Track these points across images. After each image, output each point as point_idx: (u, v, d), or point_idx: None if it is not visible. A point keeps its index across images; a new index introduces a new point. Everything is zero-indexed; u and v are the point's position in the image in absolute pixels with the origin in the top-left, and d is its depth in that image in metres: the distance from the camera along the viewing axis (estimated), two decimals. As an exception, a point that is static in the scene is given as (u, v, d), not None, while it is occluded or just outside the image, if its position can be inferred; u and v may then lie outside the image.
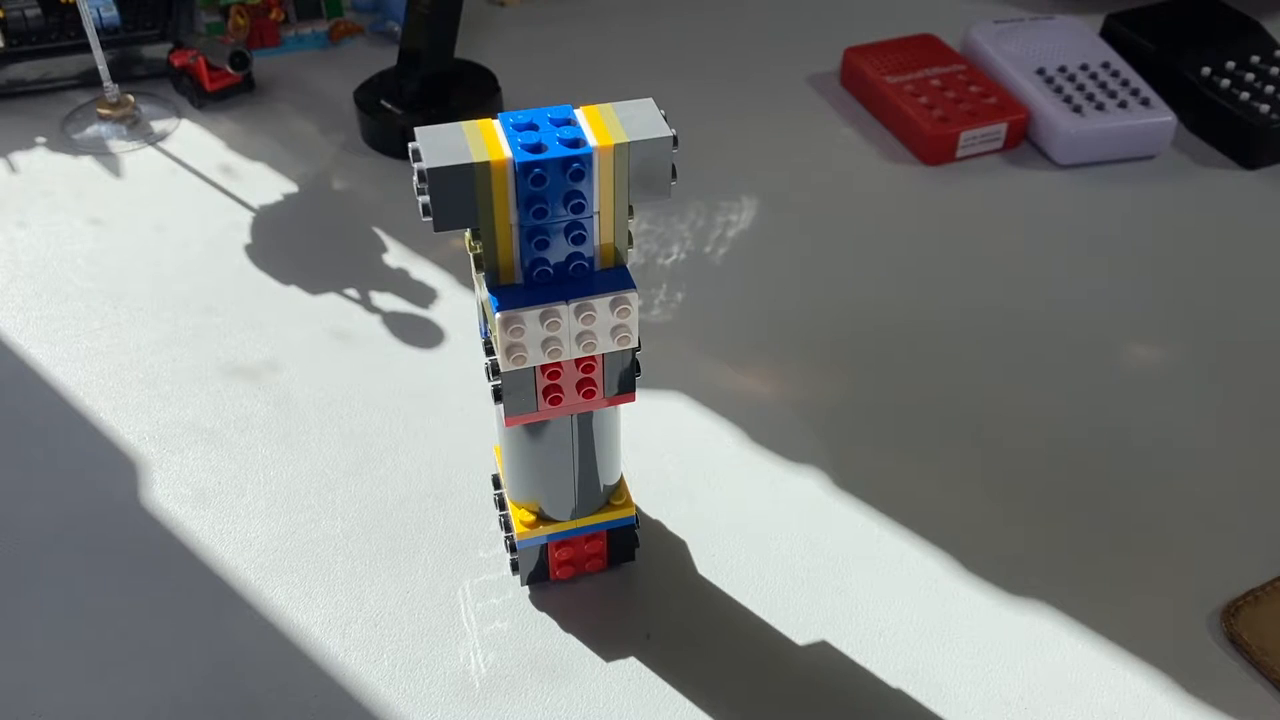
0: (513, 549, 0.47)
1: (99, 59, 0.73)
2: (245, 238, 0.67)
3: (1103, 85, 0.76)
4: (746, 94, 0.81)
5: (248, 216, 0.69)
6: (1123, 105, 0.74)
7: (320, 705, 0.44)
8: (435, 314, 0.62)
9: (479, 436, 0.54)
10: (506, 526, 0.47)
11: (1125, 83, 0.76)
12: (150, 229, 0.68)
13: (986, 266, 0.66)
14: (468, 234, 0.39)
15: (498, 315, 0.37)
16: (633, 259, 0.41)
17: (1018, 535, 0.51)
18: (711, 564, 0.49)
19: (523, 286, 0.38)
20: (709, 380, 0.58)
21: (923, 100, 0.76)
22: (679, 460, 0.54)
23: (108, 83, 0.75)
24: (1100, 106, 0.74)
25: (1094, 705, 0.44)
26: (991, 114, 0.75)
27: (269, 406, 0.56)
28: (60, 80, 0.80)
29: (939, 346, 0.61)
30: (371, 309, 0.62)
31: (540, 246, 0.37)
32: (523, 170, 0.35)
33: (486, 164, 0.35)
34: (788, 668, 0.45)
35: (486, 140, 0.36)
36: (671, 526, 0.51)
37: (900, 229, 0.69)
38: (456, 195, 0.36)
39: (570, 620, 0.47)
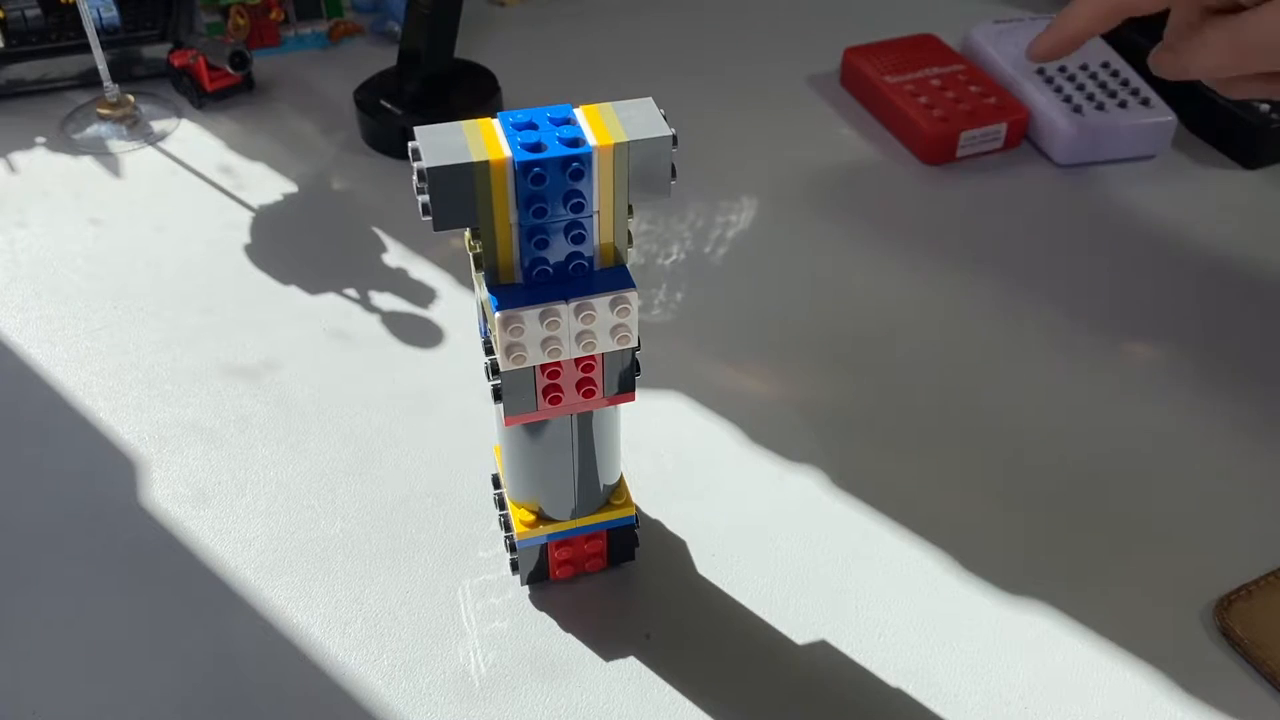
0: (513, 549, 0.47)
1: (99, 59, 0.73)
2: (245, 238, 0.67)
3: (1103, 85, 0.76)
4: (746, 94, 0.81)
5: (247, 216, 0.69)
6: (1123, 105, 0.74)
7: (320, 704, 0.44)
8: (435, 314, 0.62)
9: (479, 436, 0.54)
10: (506, 526, 0.47)
11: (1125, 82, 0.76)
12: (150, 229, 0.68)
13: (986, 266, 0.66)
14: (467, 233, 0.39)
15: (497, 315, 0.37)
16: (633, 259, 0.41)
17: (1018, 535, 0.51)
18: (711, 564, 0.49)
19: (522, 286, 0.38)
20: (709, 380, 0.58)
21: (922, 100, 0.76)
22: (679, 460, 0.54)
23: (108, 83, 0.75)
24: (1100, 106, 0.74)
25: (1092, 704, 0.44)
26: (991, 114, 0.74)
27: (268, 406, 0.56)
28: (60, 80, 0.80)
29: (939, 346, 0.61)
30: (371, 309, 0.62)
31: (540, 246, 0.37)
32: (522, 169, 0.35)
33: (486, 163, 0.35)
34: (788, 668, 0.45)
35: (486, 140, 0.36)
36: (671, 526, 0.51)
37: (900, 229, 0.69)
38: (456, 194, 0.36)
39: (570, 620, 0.47)
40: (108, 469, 0.53)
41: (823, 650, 0.46)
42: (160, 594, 0.47)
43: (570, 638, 0.46)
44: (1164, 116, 0.74)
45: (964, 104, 0.75)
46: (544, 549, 0.46)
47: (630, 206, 0.38)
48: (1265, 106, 0.74)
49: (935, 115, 0.74)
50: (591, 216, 0.37)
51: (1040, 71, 0.77)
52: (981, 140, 0.74)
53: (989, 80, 0.78)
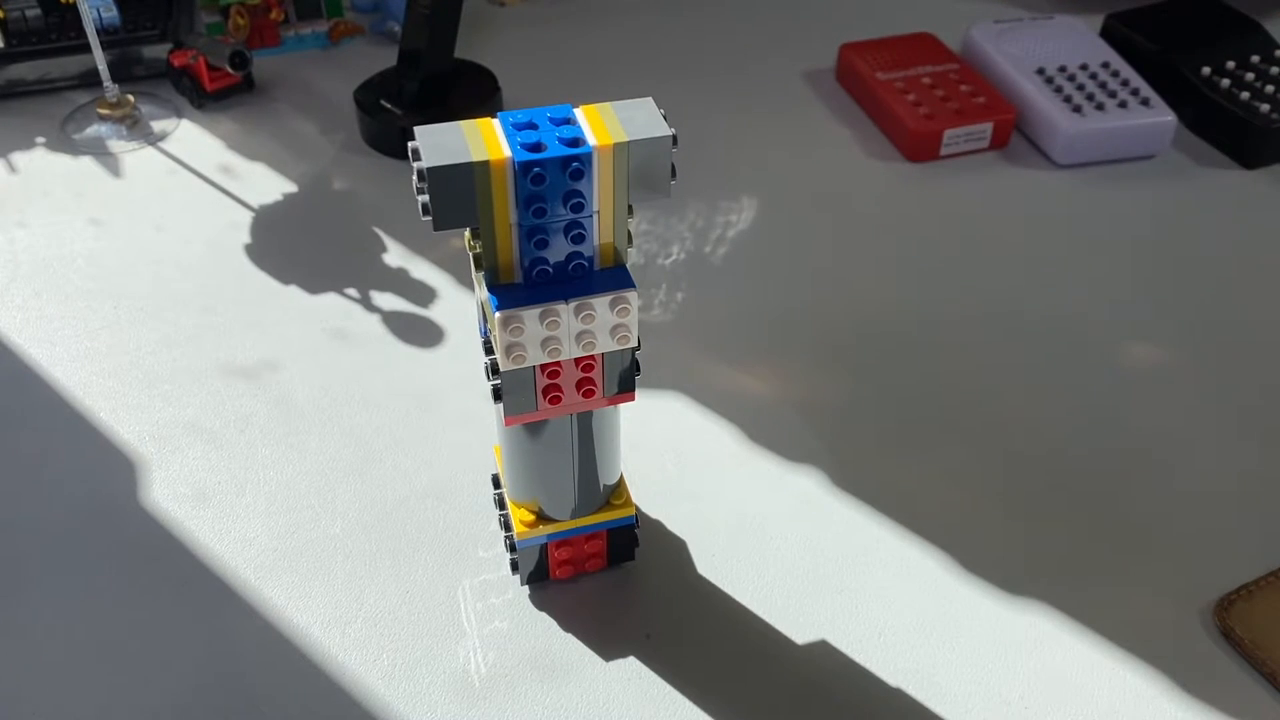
0: (513, 549, 0.47)
1: (99, 59, 0.73)
2: (245, 238, 0.67)
3: (1103, 85, 0.76)
4: (745, 92, 0.81)
5: (247, 216, 0.69)
6: (1123, 105, 0.74)
7: (320, 704, 0.44)
8: (435, 314, 0.62)
9: (479, 436, 0.54)
10: (506, 526, 0.47)
11: (1125, 82, 0.76)
12: (150, 229, 0.68)
13: (985, 266, 0.66)
14: (467, 233, 0.39)
15: (497, 314, 0.37)
16: (632, 259, 0.41)
17: (1018, 535, 0.51)
18: (711, 564, 0.49)
19: (522, 285, 0.38)
20: (709, 380, 0.58)
21: (910, 98, 0.76)
22: (679, 460, 0.54)
23: (108, 83, 0.75)
24: (1100, 106, 0.74)
25: (1093, 704, 0.44)
26: (978, 113, 0.74)
27: (268, 406, 0.56)
28: (60, 80, 0.80)
29: (939, 345, 0.61)
30: (371, 309, 0.62)
31: (540, 246, 0.37)
32: (522, 169, 0.35)
33: (486, 163, 0.35)
34: (788, 668, 0.45)
35: (486, 139, 0.36)
36: (671, 526, 0.51)
37: (900, 228, 0.69)
38: (456, 194, 0.36)
39: (570, 620, 0.47)
40: (108, 469, 0.53)
41: (823, 650, 0.46)
42: (160, 594, 0.47)
43: (570, 638, 0.46)
44: (1164, 116, 0.74)
45: (952, 102, 0.75)
46: (544, 549, 0.46)
47: (630, 206, 0.38)
48: (1265, 107, 0.74)
49: (921, 113, 0.74)
50: (591, 216, 0.37)
51: (1040, 71, 0.78)
52: (966, 139, 0.74)
53: (980, 80, 0.78)
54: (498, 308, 0.37)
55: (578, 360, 0.39)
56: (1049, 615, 0.47)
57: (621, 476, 0.46)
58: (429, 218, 0.36)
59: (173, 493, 0.52)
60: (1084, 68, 0.78)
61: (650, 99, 0.38)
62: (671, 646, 0.46)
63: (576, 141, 0.36)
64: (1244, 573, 0.49)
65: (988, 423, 0.56)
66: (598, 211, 0.37)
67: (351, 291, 0.63)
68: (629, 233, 0.39)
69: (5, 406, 0.56)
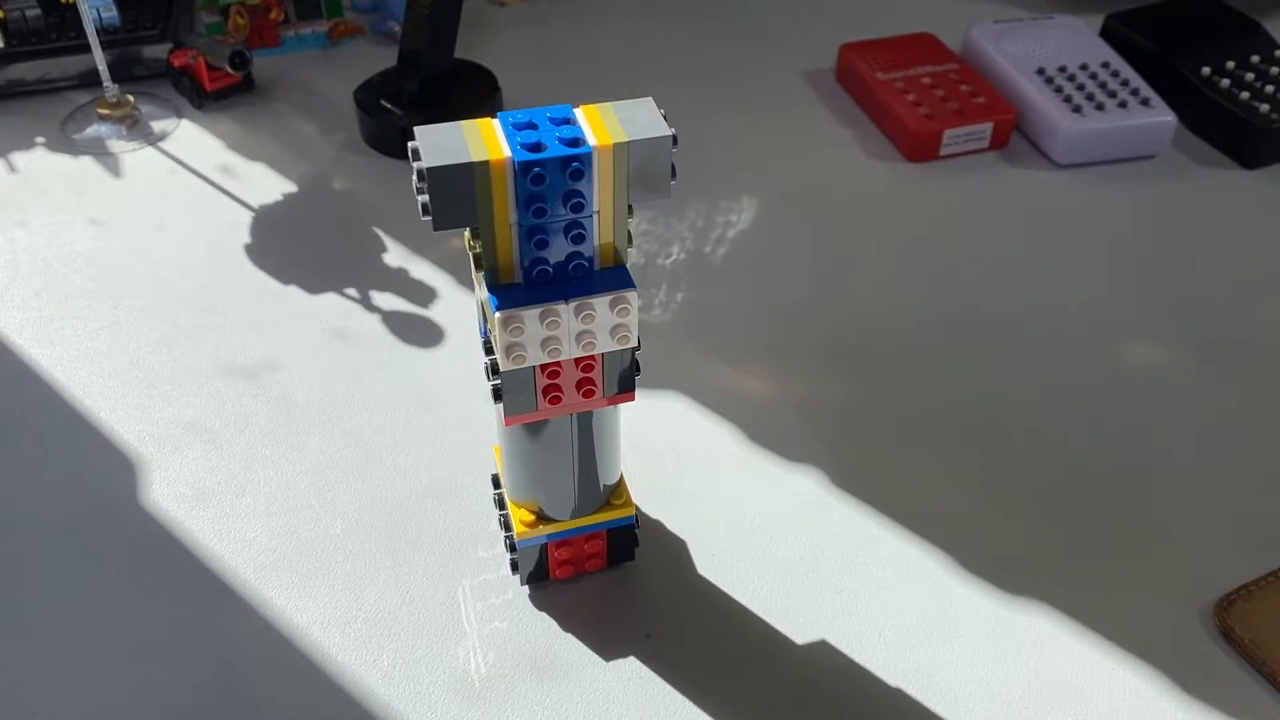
0: (512, 549, 0.47)
1: (99, 59, 0.73)
2: (245, 238, 0.67)
3: (1103, 85, 0.76)
4: (745, 92, 0.81)
5: (247, 216, 0.69)
6: (1123, 105, 0.74)
7: (320, 704, 0.44)
8: (435, 314, 0.62)
9: (479, 436, 0.54)
10: (506, 526, 0.47)
11: (1125, 82, 0.76)
12: (150, 229, 0.68)
13: (985, 266, 0.66)
14: (467, 233, 0.39)
15: (497, 314, 0.37)
16: (632, 259, 0.41)
17: (1018, 535, 0.51)
18: (711, 564, 0.49)
19: (522, 286, 0.38)
20: (709, 380, 0.58)
21: (910, 97, 0.76)
22: (679, 460, 0.54)
23: (108, 83, 0.75)
24: (1100, 106, 0.74)
25: (1093, 704, 0.44)
26: (978, 113, 0.74)
27: (268, 406, 0.56)
28: (60, 80, 0.80)
29: (939, 346, 0.61)
30: (371, 309, 0.62)
31: (540, 246, 0.37)
32: (522, 169, 0.35)
33: (486, 163, 0.35)
34: (788, 668, 0.45)
35: (486, 139, 0.36)
36: (671, 526, 0.51)
37: (900, 228, 0.69)
38: (456, 194, 0.36)
39: (570, 620, 0.47)
40: (108, 469, 0.53)
41: (823, 650, 0.46)
42: (160, 594, 0.47)
43: (570, 638, 0.46)
44: (1164, 116, 0.74)
45: (952, 102, 0.75)
46: (544, 549, 0.46)
47: (630, 206, 0.38)
48: (1265, 107, 0.74)
49: (921, 113, 0.74)
50: (591, 216, 0.37)
51: (1040, 71, 0.78)
52: (966, 139, 0.74)
53: (981, 80, 0.78)
54: (498, 308, 0.37)
55: (578, 360, 0.39)
56: (1049, 615, 0.47)
57: (621, 476, 0.46)
58: (429, 218, 0.36)
59: (173, 493, 0.52)
60: (1084, 68, 0.78)
61: (650, 99, 0.38)
62: (671, 646, 0.46)
63: (576, 141, 0.36)
64: (1244, 573, 0.49)
65: (988, 422, 0.56)
66: (598, 211, 0.37)
67: (351, 291, 0.63)
68: (629, 233, 0.39)
69: (5, 406, 0.56)
